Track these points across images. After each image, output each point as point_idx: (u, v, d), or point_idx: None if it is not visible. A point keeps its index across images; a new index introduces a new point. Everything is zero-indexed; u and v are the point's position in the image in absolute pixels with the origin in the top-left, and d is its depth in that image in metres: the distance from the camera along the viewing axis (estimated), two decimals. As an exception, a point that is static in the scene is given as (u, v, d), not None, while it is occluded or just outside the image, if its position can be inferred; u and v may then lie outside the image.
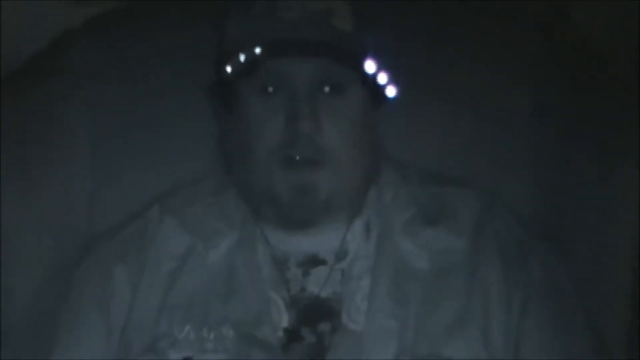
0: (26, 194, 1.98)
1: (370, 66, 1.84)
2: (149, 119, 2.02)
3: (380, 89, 1.86)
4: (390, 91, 1.87)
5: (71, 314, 1.89)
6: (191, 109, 1.98)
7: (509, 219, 1.94)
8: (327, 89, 1.82)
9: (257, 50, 1.81)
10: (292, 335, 1.83)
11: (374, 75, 1.85)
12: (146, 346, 1.83)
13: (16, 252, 1.97)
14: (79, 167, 2.01)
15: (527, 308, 1.86)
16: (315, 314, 1.84)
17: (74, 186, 2.01)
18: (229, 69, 1.83)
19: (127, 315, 1.86)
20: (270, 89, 1.82)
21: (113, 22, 2.12)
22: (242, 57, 1.82)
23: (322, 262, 1.87)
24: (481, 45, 2.08)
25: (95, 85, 2.03)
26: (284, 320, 1.84)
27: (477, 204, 1.93)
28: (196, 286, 1.87)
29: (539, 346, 1.85)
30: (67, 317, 1.89)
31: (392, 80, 1.86)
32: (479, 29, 2.10)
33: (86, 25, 2.11)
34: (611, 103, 2.04)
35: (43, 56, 2.07)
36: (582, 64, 2.09)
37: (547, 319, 1.86)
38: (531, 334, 1.85)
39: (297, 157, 1.81)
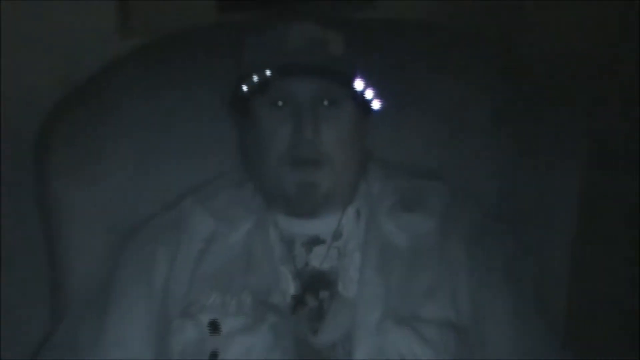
0: (82, 189, 1.95)
1: (359, 84, 1.81)
2: (182, 129, 1.99)
3: (368, 102, 1.83)
4: (376, 104, 1.84)
5: (120, 286, 1.86)
6: (215, 120, 1.94)
7: (472, 206, 1.92)
8: (325, 103, 1.79)
9: (268, 72, 1.78)
10: (298, 301, 1.80)
11: (363, 91, 1.82)
12: (181, 311, 1.81)
13: (76, 237, 1.95)
14: (126, 169, 1.98)
15: (486, 278, 1.83)
16: (317, 283, 1.82)
17: (122, 183, 1.97)
18: (245, 87, 1.81)
19: (165, 286, 1.83)
20: (280, 103, 1.79)
21: (153, 51, 2.09)
22: (255, 78, 1.79)
23: (322, 242, 1.84)
24: (452, 65, 2.06)
25: (140, 103, 2.00)
26: (292, 289, 1.81)
27: (445, 194, 1.91)
28: (220, 262, 1.84)
29: (495, 310, 1.81)
30: (117, 288, 1.86)
31: (377, 95, 1.83)
32: (449, 54, 2.08)
33: (131, 54, 2.08)
34: (555, 114, 2.03)
35: (99, 76, 2.05)
36: (531, 82, 2.08)
37: (502, 288, 1.82)
38: (489, 300, 1.82)
39: (302, 159, 1.78)
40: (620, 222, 2.23)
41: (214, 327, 1.77)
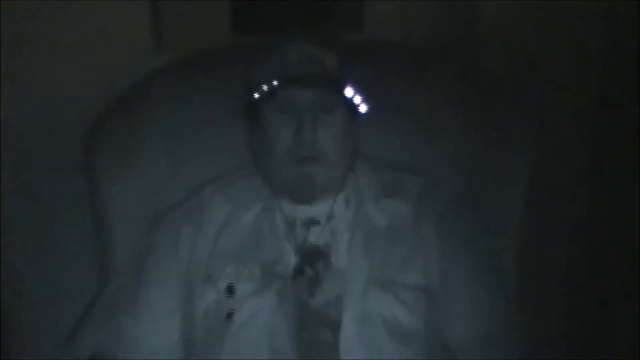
0: (122, 181, 1.95)
1: (349, 92, 1.80)
2: (204, 131, 1.97)
3: (356, 108, 1.82)
4: (363, 109, 1.82)
5: (153, 258, 1.87)
6: (231, 123, 1.93)
7: (440, 192, 1.91)
8: (321, 108, 1.79)
9: (275, 82, 1.79)
10: (298, 271, 1.81)
11: (352, 99, 1.81)
12: (203, 278, 1.81)
13: (117, 219, 1.94)
14: (159, 164, 1.97)
15: (451, 251, 1.84)
16: (313, 256, 1.82)
17: (155, 176, 1.97)
18: (255, 95, 1.81)
19: (190, 258, 1.83)
20: (284, 109, 1.79)
21: (181, 66, 2.08)
22: (264, 88, 1.80)
23: (318, 223, 1.84)
24: (423, 78, 2.04)
25: (170, 109, 1.99)
26: (293, 261, 1.82)
27: (418, 184, 1.90)
28: (235, 239, 1.84)
29: (458, 276, 1.83)
30: (151, 260, 1.87)
31: (363, 102, 1.82)
32: (421, 69, 2.07)
33: (163, 69, 2.07)
34: (507, 116, 2.01)
35: (136, 87, 2.03)
36: (487, 91, 2.06)
37: (464, 259, 1.84)
38: (453, 268, 1.83)
39: (303, 156, 1.79)
40: (561, 205, 2.20)
41: (230, 291, 1.78)
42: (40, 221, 2.19)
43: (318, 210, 1.85)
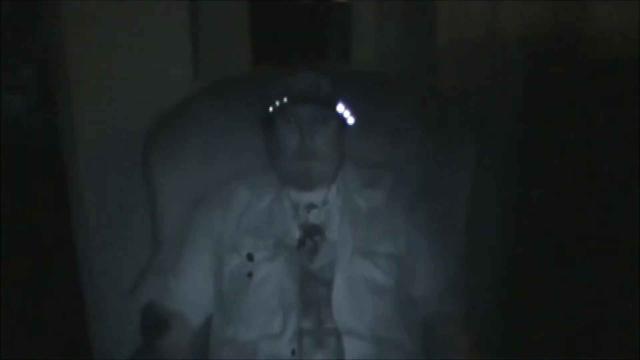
0: (171, 173, 1.94)
1: (340, 108, 1.82)
2: (231, 137, 1.96)
3: (345, 120, 1.83)
4: (350, 121, 1.83)
5: (192, 234, 1.86)
6: (251, 132, 1.92)
7: (406, 184, 1.91)
8: (319, 120, 1.79)
9: (285, 100, 1.79)
10: (301, 243, 1.81)
11: (342, 113, 1.82)
12: (229, 249, 1.82)
13: (166, 201, 1.94)
14: (198, 162, 1.95)
15: (416, 229, 1.85)
16: (313, 231, 1.82)
17: (195, 170, 1.95)
18: (270, 109, 1.82)
19: (220, 234, 1.83)
20: (291, 121, 1.79)
21: (215, 89, 2.06)
22: (277, 104, 1.80)
23: (316, 206, 1.84)
24: (395, 99, 2.02)
25: (206, 120, 1.98)
26: (297, 235, 1.82)
27: (391, 178, 1.90)
28: (253, 219, 1.84)
29: (422, 247, 1.84)
30: (190, 235, 1.86)
31: (350, 115, 1.82)
32: (394, 92, 2.05)
33: (204, 90, 2.06)
34: (455, 125, 2.00)
35: (182, 103, 2.01)
36: (441, 103, 2.06)
37: (426, 234, 1.85)
38: (418, 241, 1.84)
39: (304, 155, 1.78)
40: (496, 191, 2.18)
41: (250, 258, 1.80)
42: (112, 205, 2.17)
43: (316, 197, 1.85)
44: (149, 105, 2.07)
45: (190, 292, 1.83)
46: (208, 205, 1.89)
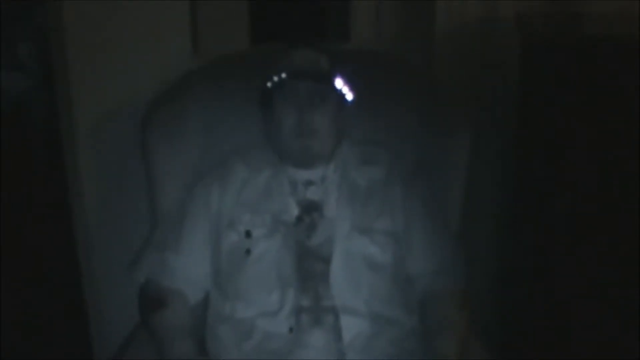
0: (170, 150, 1.94)
1: (338, 84, 1.82)
2: (231, 114, 1.95)
3: (343, 97, 1.83)
4: (349, 97, 1.83)
5: (191, 209, 1.85)
6: (250, 108, 1.90)
7: (403, 163, 1.91)
8: (318, 97, 1.79)
9: (283, 75, 1.80)
10: (299, 219, 1.80)
11: (340, 91, 1.82)
12: (227, 223, 1.80)
13: (165, 178, 1.94)
14: (198, 139, 1.96)
15: (412, 205, 1.85)
16: (311, 208, 1.82)
17: (194, 147, 1.95)
18: (269, 85, 1.81)
19: (218, 209, 1.82)
20: (289, 97, 1.78)
21: (214, 66, 2.05)
22: (275, 80, 1.80)
23: (314, 183, 1.84)
24: (391, 72, 2.03)
25: (206, 98, 1.97)
26: (295, 211, 1.81)
27: (390, 155, 1.90)
28: (251, 195, 1.83)
29: (418, 223, 1.84)
30: (189, 210, 1.85)
31: (349, 93, 1.83)
32: (391, 70, 2.04)
33: (203, 66, 2.06)
34: (451, 106, 2.00)
35: (182, 79, 2.01)
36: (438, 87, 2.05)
37: (422, 211, 1.85)
38: (414, 218, 1.84)
39: (303, 132, 1.77)
40: (491, 165, 2.17)
41: (248, 234, 1.78)
42: (110, 182, 2.18)
43: (314, 173, 1.84)
44: (147, 81, 2.06)
45: (189, 269, 1.82)
46: (206, 182, 1.87)
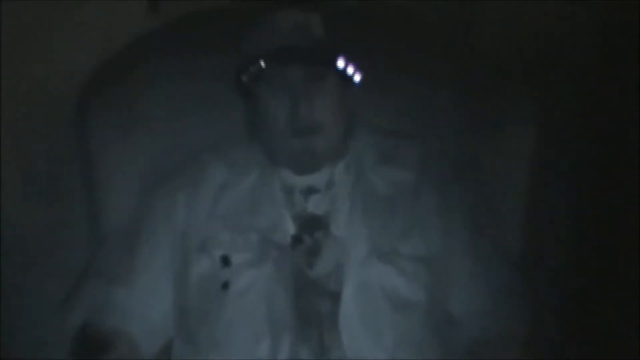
0: (116, 142, 1.75)
1: (340, 62, 1.61)
2: (199, 93, 1.76)
3: (349, 77, 1.63)
4: (357, 78, 1.63)
5: (148, 225, 1.68)
6: (227, 87, 1.66)
7: (440, 159, 1.73)
8: (313, 79, 1.60)
9: (262, 63, 1.59)
10: (296, 239, 1.61)
11: (344, 68, 1.62)
12: (198, 245, 1.63)
13: (110, 181, 1.76)
14: (154, 126, 1.77)
15: (452, 221, 1.66)
16: (313, 225, 1.63)
17: (149, 138, 1.76)
18: (244, 78, 1.62)
19: (185, 225, 1.65)
20: (275, 83, 1.59)
21: (175, 29, 1.88)
22: (251, 70, 1.61)
23: (317, 191, 1.65)
24: (420, 44, 1.84)
25: (164, 71, 1.79)
26: (291, 229, 1.62)
27: (419, 151, 1.72)
28: (231, 205, 1.65)
29: (459, 246, 1.63)
30: (146, 227, 1.68)
31: (357, 70, 1.63)
32: (418, 34, 1.88)
33: (162, 28, 1.89)
34: (502, 93, 1.84)
35: (129, 48, 1.84)
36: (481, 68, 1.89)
37: (464, 228, 1.65)
38: (454, 238, 1.64)
39: (301, 128, 1.59)
40: (563, 179, 2.04)
41: (225, 261, 1.60)
42: (37, 186, 2.01)
43: (317, 178, 1.67)
44: (85, 51, 1.95)
45: (143, 307, 1.67)
46: (169, 188, 1.72)
